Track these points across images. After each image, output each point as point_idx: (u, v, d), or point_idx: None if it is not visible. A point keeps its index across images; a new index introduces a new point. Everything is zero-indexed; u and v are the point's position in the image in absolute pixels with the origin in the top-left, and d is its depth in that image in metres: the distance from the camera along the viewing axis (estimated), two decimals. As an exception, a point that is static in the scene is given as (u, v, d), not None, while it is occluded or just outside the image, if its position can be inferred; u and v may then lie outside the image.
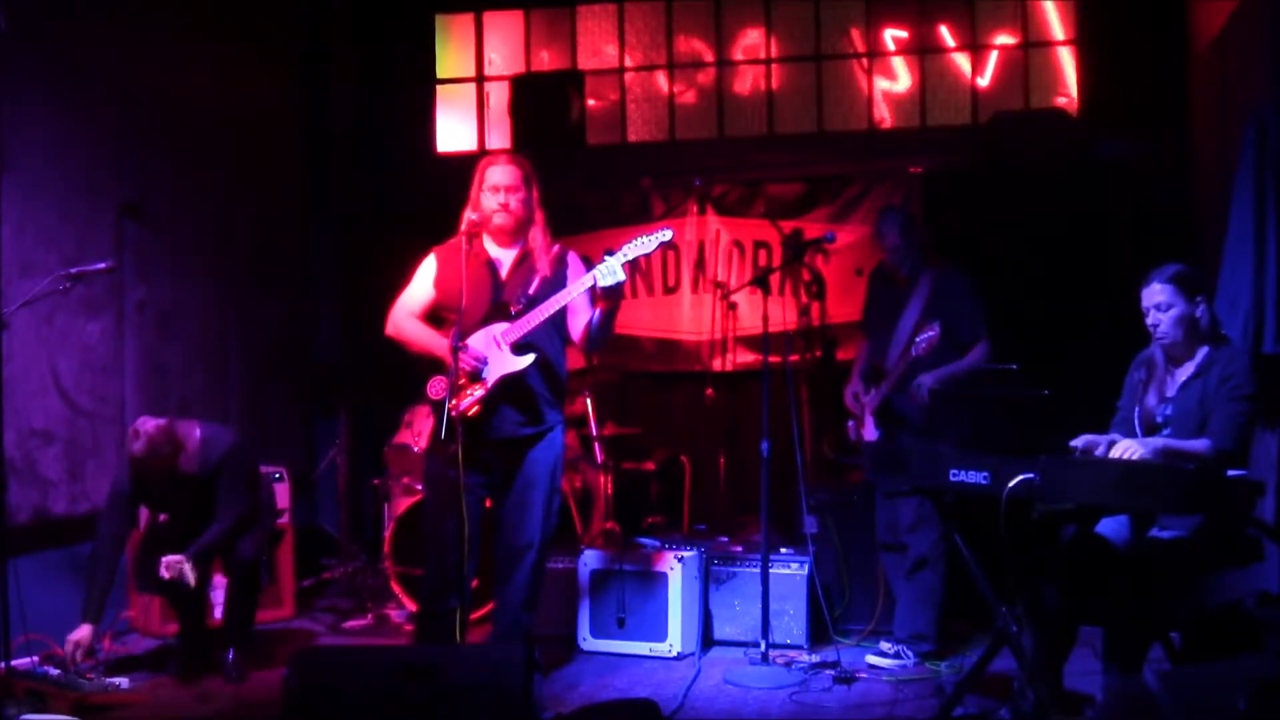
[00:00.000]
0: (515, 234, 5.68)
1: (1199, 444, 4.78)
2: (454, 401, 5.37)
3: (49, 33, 6.77)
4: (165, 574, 6.08)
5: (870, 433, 6.58)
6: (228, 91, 8.30)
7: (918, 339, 6.10)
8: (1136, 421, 5.13)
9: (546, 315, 5.49)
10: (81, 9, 7.03)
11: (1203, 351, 5.01)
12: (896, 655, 6.38)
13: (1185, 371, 5.04)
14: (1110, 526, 4.96)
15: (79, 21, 7.01)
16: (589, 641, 6.77)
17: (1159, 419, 5.05)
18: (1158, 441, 4.83)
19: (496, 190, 5.59)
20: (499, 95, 9.31)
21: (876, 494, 6.68)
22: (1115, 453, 4.70)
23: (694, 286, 8.99)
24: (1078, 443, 4.87)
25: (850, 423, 6.79)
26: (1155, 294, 5.02)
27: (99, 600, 6.10)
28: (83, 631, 5.98)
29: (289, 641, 7.08)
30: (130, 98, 7.39)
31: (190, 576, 6.10)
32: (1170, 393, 5.06)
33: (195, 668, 6.39)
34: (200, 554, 6.18)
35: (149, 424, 6.12)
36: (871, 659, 6.42)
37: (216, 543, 6.28)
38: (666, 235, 5.50)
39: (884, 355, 6.55)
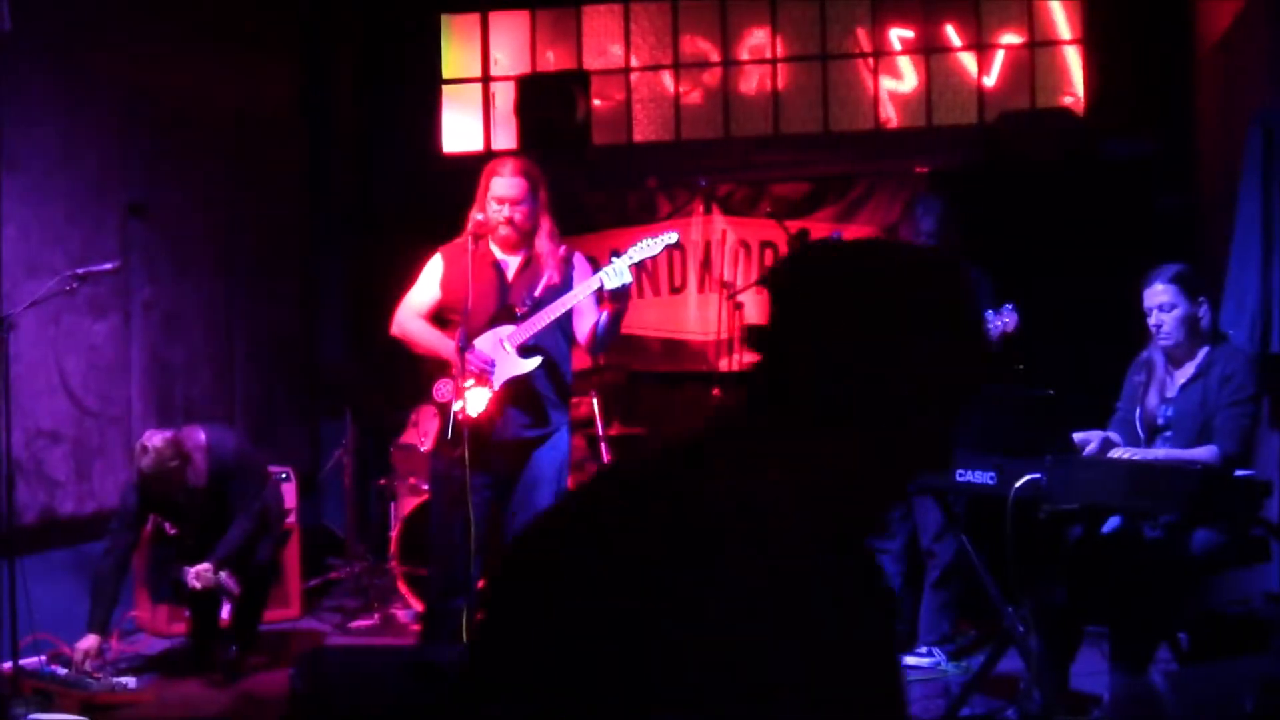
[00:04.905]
0: (520, 244, 5.68)
1: (1203, 452, 4.78)
2: (460, 404, 5.38)
3: (54, 33, 6.78)
4: (196, 584, 6.09)
5: None
6: (233, 91, 8.30)
7: (993, 325, 5.89)
8: (1138, 423, 5.13)
9: (553, 318, 5.48)
10: (86, 9, 7.04)
11: (1203, 351, 5.02)
12: (928, 654, 6.41)
13: (1186, 372, 5.04)
14: (1116, 525, 4.97)
15: (84, 22, 7.02)
16: (595, 641, 6.76)
17: (1160, 420, 5.06)
18: (1160, 452, 4.83)
19: (501, 203, 5.57)
20: (505, 95, 9.29)
21: None
22: (1116, 455, 4.72)
23: (700, 286, 8.99)
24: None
25: None
26: (1158, 294, 5.02)
27: (105, 614, 6.13)
28: (89, 641, 6.01)
29: (295, 641, 7.08)
30: (135, 98, 7.40)
31: (231, 584, 6.14)
32: (1171, 393, 5.06)
33: (202, 668, 6.41)
34: (226, 560, 6.20)
35: (155, 438, 6.12)
36: (910, 659, 6.43)
37: (240, 545, 6.29)
38: (673, 238, 5.50)
39: None
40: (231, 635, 6.48)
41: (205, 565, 6.11)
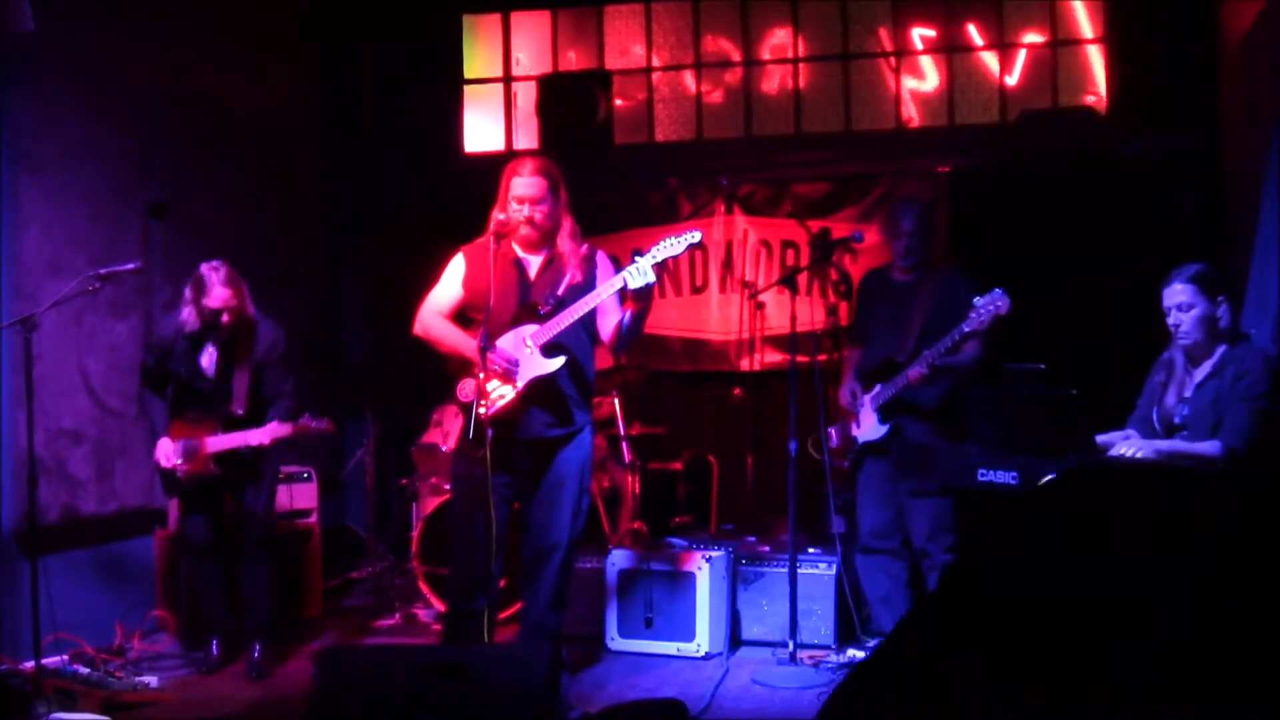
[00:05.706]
0: (541, 243, 5.68)
1: (1209, 446, 4.76)
2: (483, 404, 5.37)
3: (76, 35, 6.81)
4: (270, 439, 6.26)
5: (871, 431, 6.49)
6: (253, 92, 8.33)
7: (980, 310, 5.84)
8: (1156, 422, 5.11)
9: (576, 317, 5.47)
10: (107, 11, 7.06)
11: (1220, 350, 5.00)
12: None
13: (1203, 371, 5.03)
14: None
15: (105, 24, 7.05)
16: (616, 641, 6.77)
17: (1176, 419, 5.04)
18: (1163, 444, 4.82)
19: (521, 202, 5.57)
20: (526, 95, 9.31)
21: (861, 495, 6.61)
22: (1119, 452, 4.70)
23: (721, 286, 8.98)
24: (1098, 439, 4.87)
25: (832, 428, 6.72)
26: (1177, 294, 5.01)
27: (164, 422, 6.39)
28: (164, 443, 6.30)
29: (316, 640, 7.09)
30: (156, 99, 7.42)
31: (319, 422, 6.34)
32: (1188, 393, 5.05)
33: (225, 660, 6.44)
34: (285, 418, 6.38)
35: (214, 261, 6.34)
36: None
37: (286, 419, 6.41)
38: (695, 237, 5.48)
39: (897, 352, 6.43)
40: (248, 623, 6.49)
41: (274, 422, 6.31)
